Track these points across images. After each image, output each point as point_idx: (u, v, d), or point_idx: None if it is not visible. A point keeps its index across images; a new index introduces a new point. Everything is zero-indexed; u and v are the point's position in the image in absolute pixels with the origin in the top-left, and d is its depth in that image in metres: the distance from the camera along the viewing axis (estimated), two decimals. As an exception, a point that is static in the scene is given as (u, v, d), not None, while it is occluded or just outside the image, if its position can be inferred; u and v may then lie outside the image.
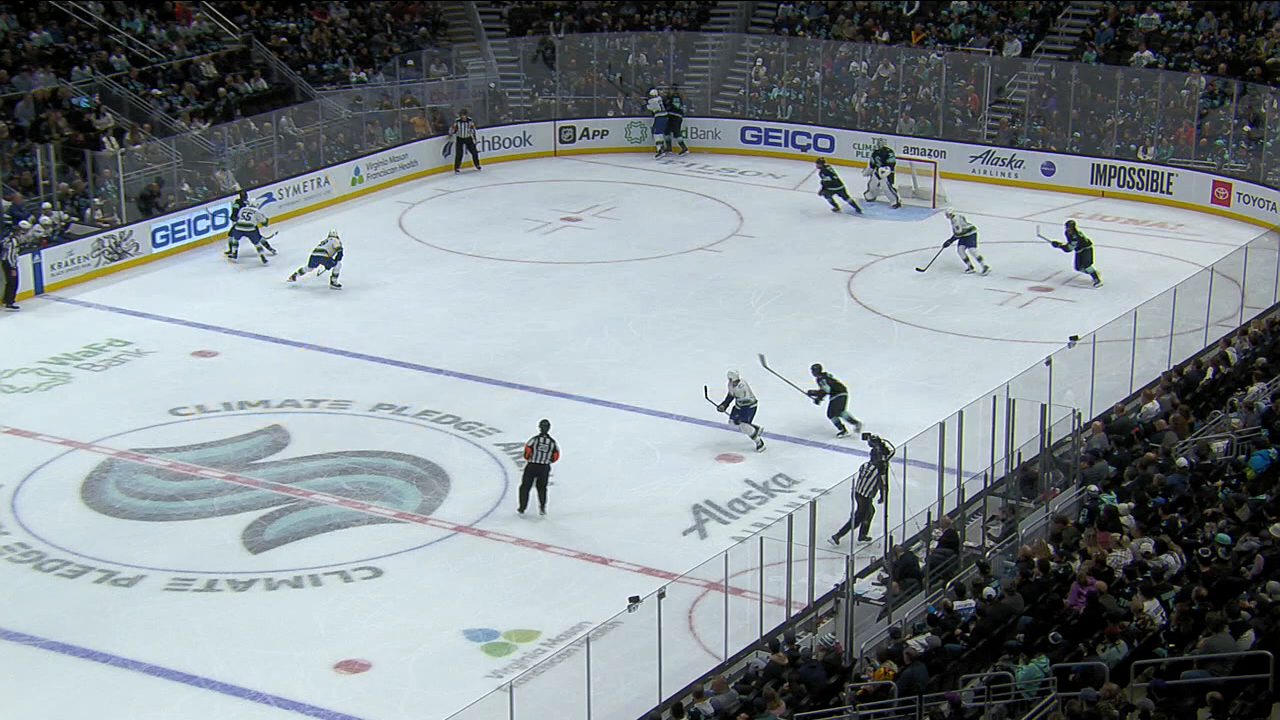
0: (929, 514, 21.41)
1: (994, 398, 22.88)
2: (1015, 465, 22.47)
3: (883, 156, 38.49)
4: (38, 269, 32.59)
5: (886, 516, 22.21)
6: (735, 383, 26.07)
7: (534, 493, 23.95)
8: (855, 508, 22.77)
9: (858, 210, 37.50)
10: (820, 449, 26.07)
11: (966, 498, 22.63)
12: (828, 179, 37.48)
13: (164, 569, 22.69)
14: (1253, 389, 23.99)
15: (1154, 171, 38.42)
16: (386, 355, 29.71)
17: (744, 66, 44.32)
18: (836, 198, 37.46)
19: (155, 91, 38.97)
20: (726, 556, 20.28)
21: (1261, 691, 16.08)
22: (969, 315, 31.50)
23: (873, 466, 22.99)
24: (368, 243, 35.33)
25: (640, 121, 42.61)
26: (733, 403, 26.03)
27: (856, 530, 22.81)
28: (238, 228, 34.53)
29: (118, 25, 40.38)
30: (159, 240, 34.83)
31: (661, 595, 18.80)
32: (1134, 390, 26.29)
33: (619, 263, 34.57)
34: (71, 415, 27.28)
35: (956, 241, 33.52)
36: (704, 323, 31.21)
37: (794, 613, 20.72)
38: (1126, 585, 18.51)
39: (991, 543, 21.41)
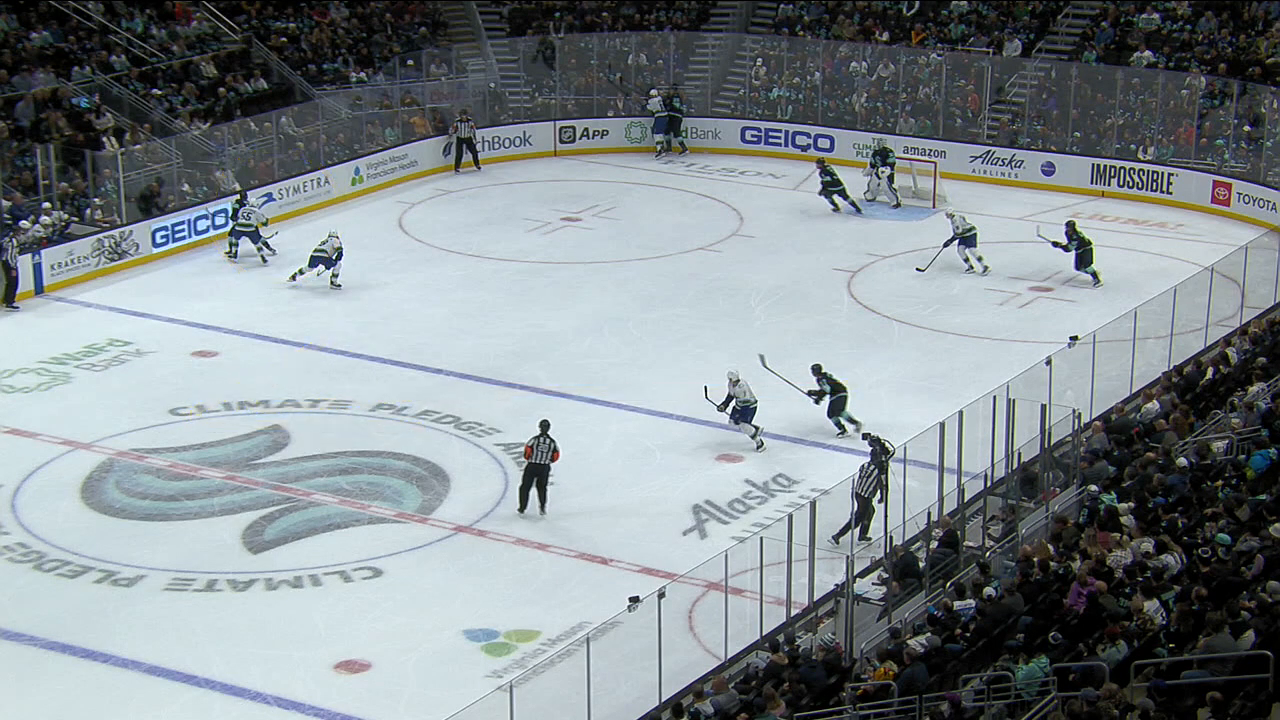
0: (929, 514, 21.41)
1: (994, 398, 22.88)
2: (1015, 465, 22.48)
3: (883, 156, 38.49)
4: (38, 269, 32.60)
5: (886, 516, 22.22)
6: (735, 383, 26.07)
7: (534, 493, 23.95)
8: (855, 508, 22.78)
9: (858, 210, 37.50)
10: (820, 449, 26.08)
11: (966, 498, 22.63)
12: (827, 179, 37.48)
13: (164, 569, 22.69)
14: (1253, 389, 24.00)
15: (1154, 171, 38.42)
16: (386, 355, 29.72)
17: (744, 66, 44.33)
18: (836, 198, 37.47)
19: (155, 91, 38.98)
20: (726, 556, 20.28)
21: (1261, 691, 16.09)
22: (969, 315, 31.51)
23: (873, 466, 23.00)
24: (368, 243, 35.34)
25: (640, 121, 42.62)
26: (733, 403, 26.04)
27: (856, 530, 22.82)
28: (238, 228, 34.55)
29: (118, 25, 40.39)
30: (159, 240, 34.84)
31: (661, 595, 18.80)
32: (1134, 390, 26.29)
33: (619, 263, 34.57)
34: (71, 415, 27.28)
35: (956, 241, 33.54)
36: (704, 323, 31.21)
37: (794, 613, 20.72)
38: (1126, 585, 18.52)
39: (991, 543, 21.42)
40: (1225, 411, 23.48)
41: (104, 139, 36.48)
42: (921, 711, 16.86)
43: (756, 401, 26.04)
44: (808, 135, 41.95)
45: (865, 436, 23.91)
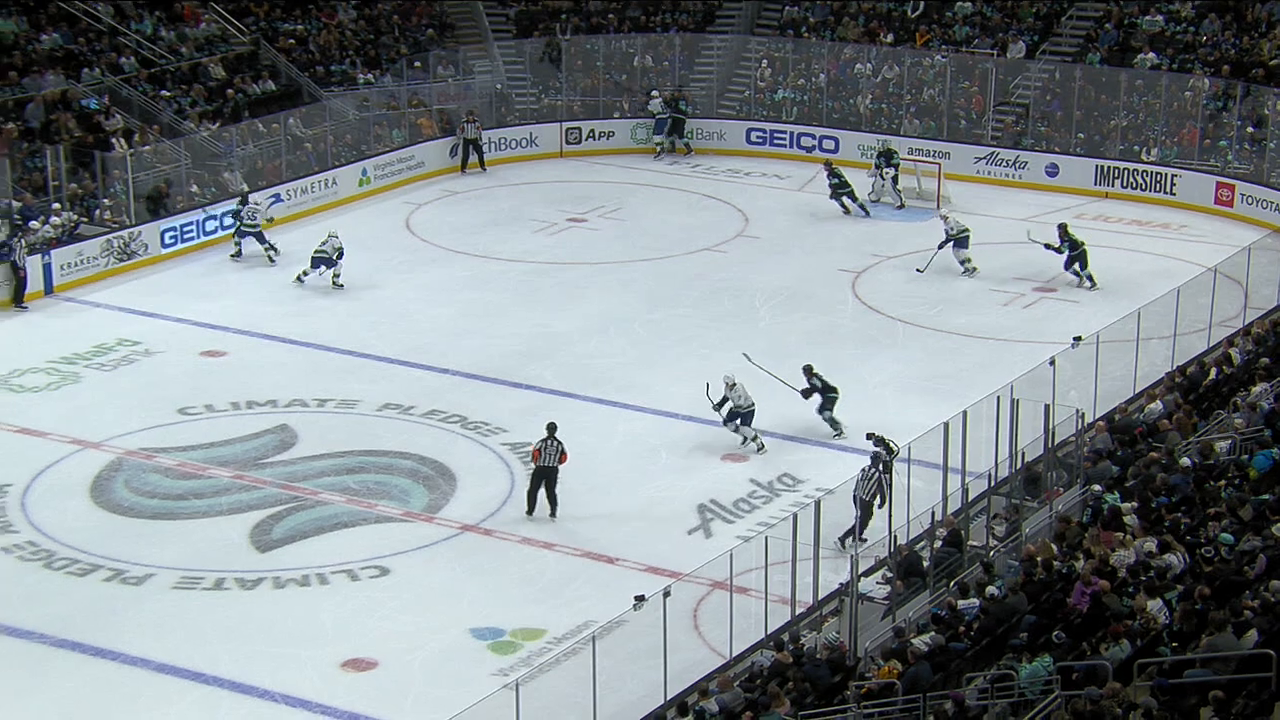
0: (933, 513, 21.48)
1: (998, 398, 22.95)
2: (1019, 465, 22.51)
3: (887, 158, 38.55)
4: (47, 269, 32.72)
5: (891, 516, 22.27)
6: (731, 386, 25.95)
7: (542, 496, 24.02)
8: (859, 513, 22.78)
9: (866, 213, 37.55)
10: (825, 449, 26.14)
11: (970, 497, 22.70)
12: (835, 181, 37.51)
13: (172, 567, 22.79)
14: (1256, 389, 24.04)
15: (1157, 173, 38.48)
16: (393, 355, 29.82)
17: (749, 68, 44.41)
18: (846, 200, 37.51)
19: (164, 93, 39.11)
20: (731, 556, 20.37)
21: (1264, 690, 16.13)
22: (973, 316, 31.58)
23: (873, 469, 23.03)
24: (375, 243, 35.44)
25: (646, 123, 42.70)
26: (727, 404, 26.00)
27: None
28: (243, 228, 34.66)
29: (127, 27, 40.51)
30: (168, 241, 34.96)
31: (667, 594, 18.86)
32: (1137, 390, 26.34)
33: (624, 263, 34.66)
34: (81, 415, 27.39)
35: (951, 243, 33.58)
36: (709, 323, 31.28)
37: (798, 612, 20.79)
38: (1130, 584, 18.57)
39: (995, 542, 21.48)
40: (1228, 412, 23.52)
41: (113, 140, 36.61)
42: (925, 710, 16.92)
43: (754, 405, 26.04)
44: (813, 136, 42.05)
45: (870, 436, 23.93)
